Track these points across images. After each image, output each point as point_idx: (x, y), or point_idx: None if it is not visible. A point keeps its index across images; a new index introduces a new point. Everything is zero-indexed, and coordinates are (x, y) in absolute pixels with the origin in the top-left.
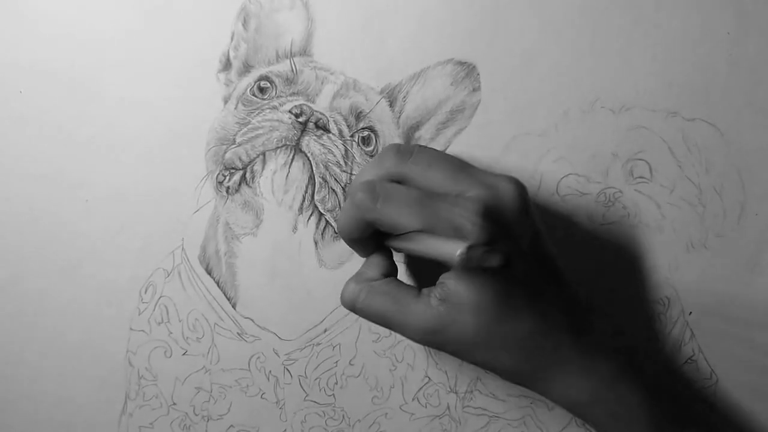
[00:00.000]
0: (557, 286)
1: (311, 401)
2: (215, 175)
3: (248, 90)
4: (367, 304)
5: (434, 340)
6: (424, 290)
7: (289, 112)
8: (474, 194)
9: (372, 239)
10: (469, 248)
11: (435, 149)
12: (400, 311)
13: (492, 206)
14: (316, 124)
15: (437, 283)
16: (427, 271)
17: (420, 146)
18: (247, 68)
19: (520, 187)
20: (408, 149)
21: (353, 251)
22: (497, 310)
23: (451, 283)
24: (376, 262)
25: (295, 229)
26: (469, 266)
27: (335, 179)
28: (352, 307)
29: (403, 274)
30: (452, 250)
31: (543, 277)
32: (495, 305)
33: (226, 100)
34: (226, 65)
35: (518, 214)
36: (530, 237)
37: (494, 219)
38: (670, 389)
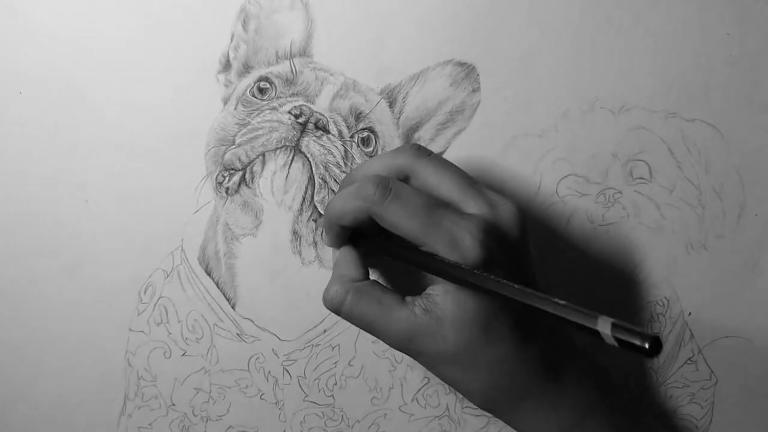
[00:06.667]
0: (540, 317)
1: (310, 402)
2: (215, 176)
3: (248, 91)
4: (354, 306)
5: (410, 347)
6: (408, 298)
7: (289, 112)
8: (478, 210)
9: (349, 232)
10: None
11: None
12: (384, 316)
13: (494, 225)
14: (315, 124)
15: (423, 293)
16: (404, 277)
17: (436, 154)
18: (246, 69)
19: (520, 212)
20: (425, 151)
21: (327, 240)
22: (478, 330)
23: (438, 297)
24: (353, 261)
25: (294, 229)
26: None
27: (335, 180)
28: (338, 310)
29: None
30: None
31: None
32: (477, 325)
33: (225, 101)
34: (226, 66)
35: (517, 238)
36: (523, 263)
37: (495, 238)
38: (643, 425)
